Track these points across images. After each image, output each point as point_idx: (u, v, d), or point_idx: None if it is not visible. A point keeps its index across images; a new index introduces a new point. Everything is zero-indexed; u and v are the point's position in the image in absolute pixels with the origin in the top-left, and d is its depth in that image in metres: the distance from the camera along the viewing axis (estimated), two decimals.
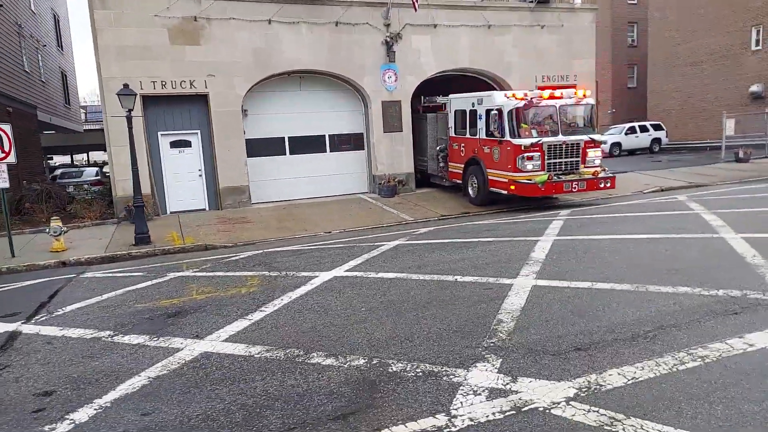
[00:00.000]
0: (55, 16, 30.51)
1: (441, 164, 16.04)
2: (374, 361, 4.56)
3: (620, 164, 22.53)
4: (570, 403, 3.73)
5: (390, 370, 4.37)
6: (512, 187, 12.60)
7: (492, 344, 4.76)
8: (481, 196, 14.06)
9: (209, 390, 4.22)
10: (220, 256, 10.10)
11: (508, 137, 12.58)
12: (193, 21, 14.54)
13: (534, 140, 12.44)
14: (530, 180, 12.30)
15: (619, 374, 4.09)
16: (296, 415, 3.78)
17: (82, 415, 3.95)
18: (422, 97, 17.16)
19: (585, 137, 13.05)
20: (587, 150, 13.06)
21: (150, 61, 14.22)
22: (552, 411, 3.64)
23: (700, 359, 4.25)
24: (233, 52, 14.93)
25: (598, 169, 13.15)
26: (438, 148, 16.08)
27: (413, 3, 14.90)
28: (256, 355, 4.84)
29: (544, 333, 4.95)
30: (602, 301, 5.71)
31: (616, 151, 30.91)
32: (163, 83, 14.42)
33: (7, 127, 10.67)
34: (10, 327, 6.17)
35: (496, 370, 4.26)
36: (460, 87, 16.13)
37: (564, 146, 12.76)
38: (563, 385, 3.97)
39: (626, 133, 31.83)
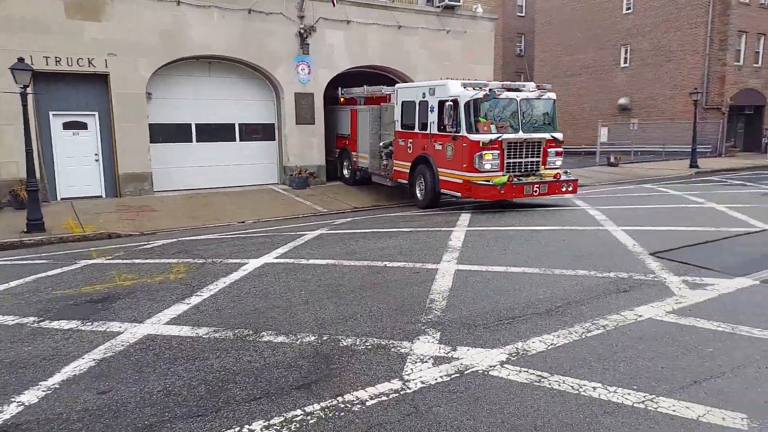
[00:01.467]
0: None
1: (384, 162, 14.49)
2: (324, 338, 4.83)
3: None
4: (504, 365, 4.28)
5: (341, 345, 4.67)
6: (467, 190, 11.41)
7: (429, 320, 5.23)
8: (428, 198, 12.65)
9: (164, 368, 4.25)
10: (129, 244, 9.66)
11: (464, 132, 11.30)
12: None
13: (494, 136, 11.30)
14: (488, 181, 11.18)
15: (540, 341, 4.73)
16: (260, 386, 3.96)
17: (31, 396, 3.81)
18: (364, 87, 15.83)
19: (546, 135, 12.03)
20: (548, 150, 12.09)
21: (42, 35, 13.06)
22: (490, 372, 4.17)
23: (602, 328, 5.02)
24: (138, 31, 14.15)
25: (560, 171, 12.26)
26: (382, 143, 14.55)
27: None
28: (204, 336, 4.89)
29: (473, 309, 5.51)
30: (517, 282, 6.43)
31: None
32: (58, 59, 13.33)
33: None
34: None
35: (437, 342, 4.73)
36: (371, 83, 16.50)
37: (525, 145, 11.70)
38: (496, 352, 4.52)
39: None
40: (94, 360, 4.41)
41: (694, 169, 21.72)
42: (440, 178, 12.20)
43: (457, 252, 7.92)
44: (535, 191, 11.63)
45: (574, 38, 36.43)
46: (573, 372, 4.16)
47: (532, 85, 12.20)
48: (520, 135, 11.66)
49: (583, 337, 4.82)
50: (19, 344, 4.79)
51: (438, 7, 18.78)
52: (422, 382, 3.99)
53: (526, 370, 4.19)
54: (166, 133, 15.48)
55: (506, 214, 11.43)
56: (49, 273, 7.34)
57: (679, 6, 30.12)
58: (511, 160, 11.61)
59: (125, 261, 8.08)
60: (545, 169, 12.09)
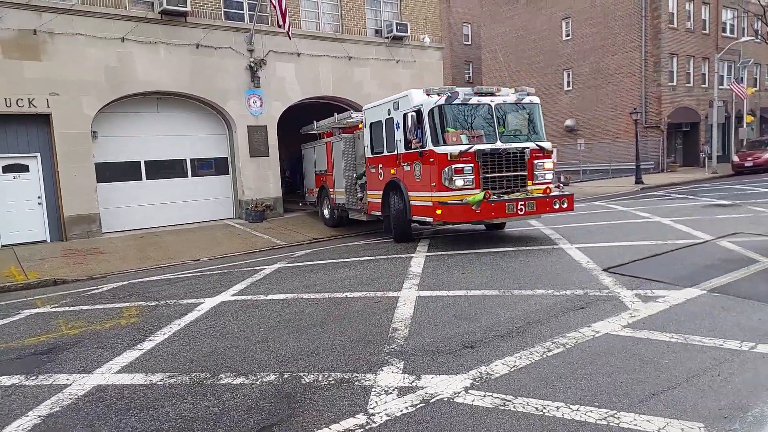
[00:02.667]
0: None
1: (360, 195, 13.14)
2: (286, 375, 4.70)
3: None
4: (468, 391, 4.26)
5: (303, 382, 4.55)
6: (438, 212, 9.79)
7: (392, 349, 5.18)
8: (399, 229, 11.20)
9: (116, 420, 4.02)
10: (76, 290, 9.24)
11: (430, 146, 9.82)
12: (32, 34, 13.22)
13: (464, 147, 9.70)
14: (461, 200, 9.57)
15: (503, 364, 4.74)
16: None
17: None
18: (335, 116, 14.42)
19: (531, 145, 10.34)
20: (534, 161, 10.37)
21: None
22: (455, 399, 4.13)
23: (562, 346, 5.09)
24: (81, 69, 13.84)
25: (551, 185, 10.57)
26: (355, 175, 13.33)
27: (287, 32, 15.15)
28: (158, 383, 4.67)
29: (436, 336, 5.49)
30: (478, 305, 6.47)
31: None
32: None
33: None
34: None
35: (401, 371, 4.67)
36: (327, 114, 16.47)
37: (504, 156, 10.00)
38: (460, 378, 4.50)
39: None
40: (39, 417, 4.14)
41: (640, 185, 22.69)
42: (412, 203, 10.61)
43: (417, 278, 7.93)
44: (520, 210, 9.72)
45: (519, 64, 37.88)
46: (536, 393, 4.18)
47: (508, 89, 10.61)
48: (498, 145, 9.99)
49: (544, 356, 4.86)
50: None
51: (387, 38, 19.21)
52: (387, 415, 3.92)
53: (491, 394, 4.18)
54: (114, 172, 15.06)
55: (464, 238, 11.57)
56: None
57: (614, 32, 31.87)
58: (490, 175, 9.91)
59: (72, 308, 7.70)
60: (533, 183, 10.38)
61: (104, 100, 14.28)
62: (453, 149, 9.68)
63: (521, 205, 9.72)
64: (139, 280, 9.63)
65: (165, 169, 15.94)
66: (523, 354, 4.92)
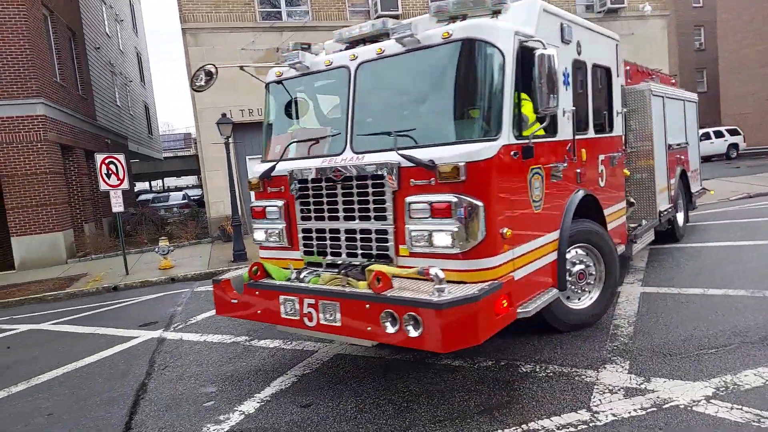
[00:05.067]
0: (138, 54, 33.02)
1: None
2: (502, 363, 4.80)
3: None
4: (710, 401, 3.82)
5: (520, 371, 4.60)
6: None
7: (615, 348, 4.90)
8: None
9: (355, 386, 4.60)
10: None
11: None
12: (275, 52, 15.42)
13: (264, 168, 5.13)
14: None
15: (755, 375, 4.13)
16: (443, 408, 4.08)
17: (249, 407, 4.41)
18: None
19: (392, 158, 4.16)
20: (408, 199, 4.10)
21: (238, 92, 15.19)
22: (693, 408, 3.75)
23: None
24: None
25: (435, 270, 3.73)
26: None
27: None
28: (387, 357, 5.19)
29: (666, 337, 5.02)
30: (719, 306, 5.70)
31: None
32: (250, 111, 15.40)
33: (122, 157, 11.77)
34: (155, 334, 6.88)
35: (627, 371, 4.40)
36: None
37: (340, 184, 4.51)
38: (699, 385, 4.07)
39: (700, 139, 30.68)
40: (296, 376, 4.95)
41: None
42: None
43: (640, 273, 7.30)
44: (308, 316, 4.28)
45: (763, 24, 31.64)
46: None
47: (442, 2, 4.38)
48: (341, 159, 4.57)
49: None
50: (236, 360, 5.57)
51: (600, 12, 17.85)
52: (613, 415, 3.75)
53: (740, 407, 3.70)
54: None
55: (695, 229, 10.22)
56: None
57: None
58: (318, 225, 4.75)
59: None
60: (411, 253, 4.18)
61: None
62: (256, 173, 5.31)
63: (309, 307, 4.27)
64: None
65: None
66: None
